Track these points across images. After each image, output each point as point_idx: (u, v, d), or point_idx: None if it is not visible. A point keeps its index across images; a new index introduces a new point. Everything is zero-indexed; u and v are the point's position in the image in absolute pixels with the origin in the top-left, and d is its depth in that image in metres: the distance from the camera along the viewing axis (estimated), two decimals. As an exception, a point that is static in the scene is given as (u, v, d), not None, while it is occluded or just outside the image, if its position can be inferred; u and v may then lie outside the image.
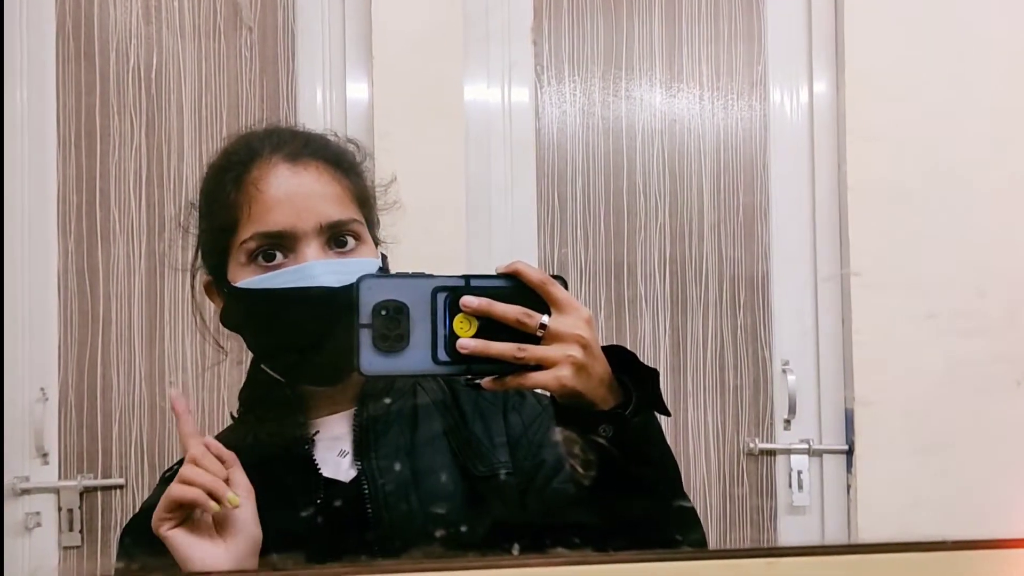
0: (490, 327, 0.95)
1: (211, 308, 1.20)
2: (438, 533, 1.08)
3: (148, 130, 2.21)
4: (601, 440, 0.95)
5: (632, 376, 0.99)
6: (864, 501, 2.26)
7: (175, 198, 2.18)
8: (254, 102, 2.24)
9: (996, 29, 2.29)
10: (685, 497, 1.04)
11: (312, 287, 1.07)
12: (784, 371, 2.34)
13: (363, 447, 1.13)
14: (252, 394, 1.19)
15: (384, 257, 1.17)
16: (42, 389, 2.14)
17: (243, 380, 1.20)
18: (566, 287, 0.97)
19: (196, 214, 1.20)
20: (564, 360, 0.94)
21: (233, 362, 1.27)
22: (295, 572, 0.84)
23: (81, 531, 2.14)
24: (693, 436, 2.32)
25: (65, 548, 2.15)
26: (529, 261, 1.00)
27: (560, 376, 0.94)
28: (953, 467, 2.20)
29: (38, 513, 2.14)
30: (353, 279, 0.95)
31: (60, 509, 2.14)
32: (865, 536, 2.30)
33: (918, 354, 2.23)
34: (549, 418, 1.10)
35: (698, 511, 1.09)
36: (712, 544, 2.02)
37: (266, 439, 1.14)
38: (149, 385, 2.17)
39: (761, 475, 2.34)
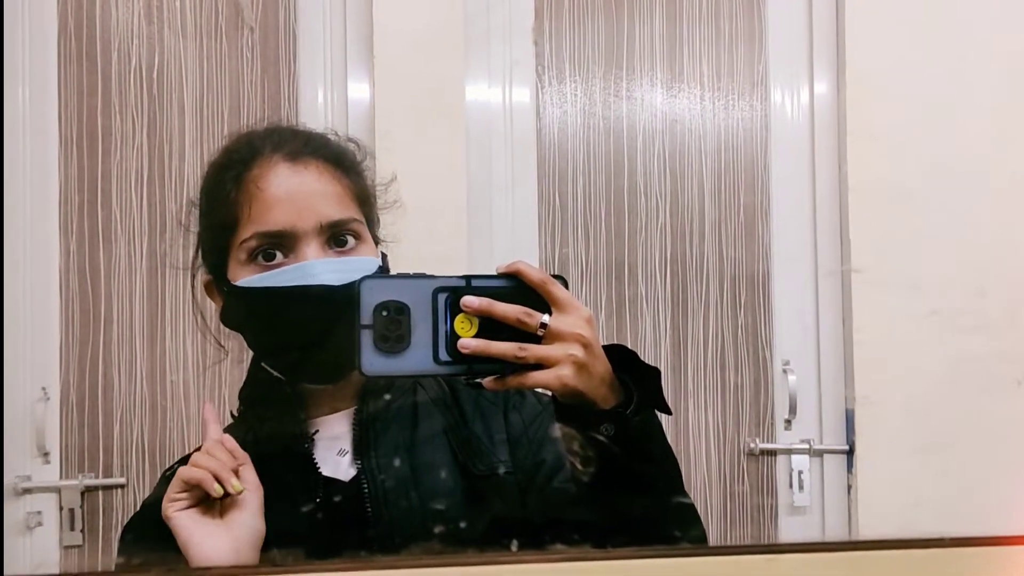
0: (491, 327, 0.95)
1: (212, 307, 1.20)
2: (437, 529, 1.08)
3: (150, 130, 2.21)
4: (602, 438, 0.95)
5: (633, 375, 1.00)
6: (865, 501, 2.26)
7: (176, 198, 2.18)
8: (255, 102, 2.24)
9: (996, 29, 2.29)
10: (685, 494, 1.05)
11: (312, 286, 1.07)
12: (785, 371, 2.34)
13: (363, 446, 1.13)
14: (252, 393, 1.19)
15: (384, 256, 1.17)
16: (43, 388, 2.15)
17: (243, 379, 1.20)
18: (567, 287, 0.98)
19: (197, 212, 1.21)
20: (565, 359, 0.94)
21: (234, 361, 1.27)
22: (295, 568, 0.84)
23: (82, 530, 2.15)
24: (694, 436, 2.32)
25: (66, 547, 2.15)
26: (530, 261, 1.00)
27: (561, 375, 0.94)
28: (954, 467, 2.20)
29: (39, 512, 2.14)
30: (353, 278, 0.96)
31: (61, 508, 2.14)
32: (866, 536, 2.30)
33: (919, 353, 2.23)
34: (550, 417, 1.10)
35: (699, 511, 1.09)
36: (712, 544, 2.02)
37: (266, 438, 1.14)
38: (150, 384, 2.17)
39: (762, 475, 2.34)
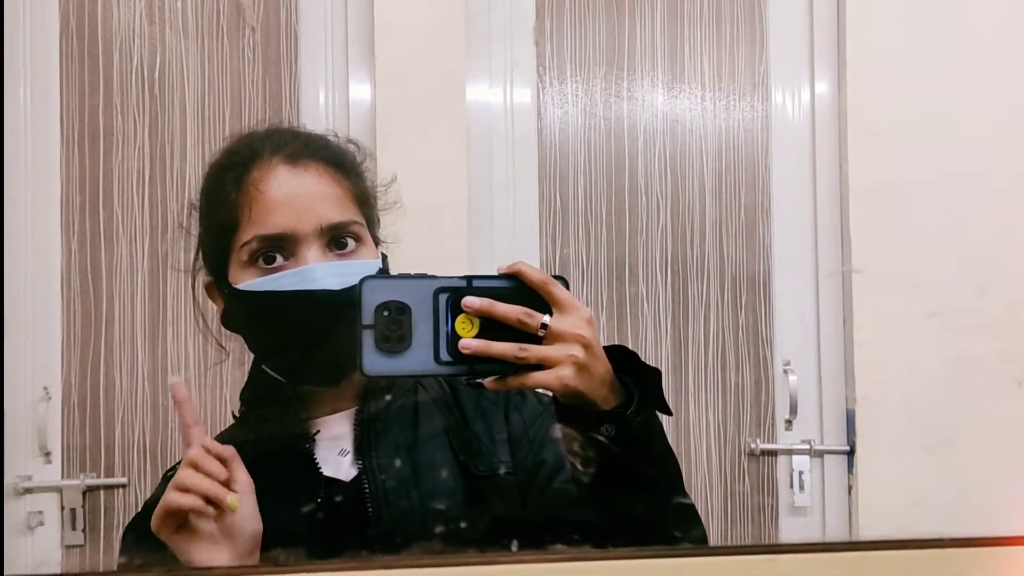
0: (492, 327, 0.95)
1: (213, 309, 1.21)
2: (438, 529, 1.08)
3: (151, 130, 2.21)
4: (602, 439, 0.95)
5: (634, 376, 1.00)
6: (865, 501, 2.26)
7: (178, 198, 2.18)
8: (257, 102, 2.24)
9: (997, 30, 2.29)
10: (685, 494, 1.05)
11: (314, 290, 1.07)
12: (785, 371, 2.34)
13: (364, 446, 1.13)
14: (254, 393, 1.19)
15: (384, 257, 1.17)
16: (45, 388, 2.15)
17: (245, 379, 1.20)
18: (567, 287, 0.98)
19: (197, 214, 1.21)
20: (566, 360, 0.94)
21: (235, 361, 1.27)
22: (296, 568, 0.84)
23: (84, 530, 2.15)
24: (694, 436, 2.33)
25: (68, 547, 2.15)
26: (530, 261, 1.01)
27: (562, 376, 0.94)
28: (954, 467, 2.20)
29: (41, 512, 2.14)
30: (354, 281, 0.96)
31: (63, 508, 2.14)
32: (866, 536, 2.30)
33: (919, 354, 2.23)
34: (550, 417, 1.10)
35: (699, 512, 1.09)
36: (713, 544, 2.02)
37: (267, 438, 1.14)
38: (152, 384, 2.17)
39: (762, 475, 2.35)
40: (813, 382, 2.35)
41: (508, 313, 0.95)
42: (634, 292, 2.32)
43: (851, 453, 2.29)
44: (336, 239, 1.11)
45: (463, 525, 1.09)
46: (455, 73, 2.22)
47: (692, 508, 1.06)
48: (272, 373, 1.15)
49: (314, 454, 1.13)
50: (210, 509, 0.99)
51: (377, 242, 1.18)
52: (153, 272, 2.18)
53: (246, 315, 1.12)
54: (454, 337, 0.95)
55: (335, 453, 1.14)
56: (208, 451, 1.01)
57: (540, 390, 1.09)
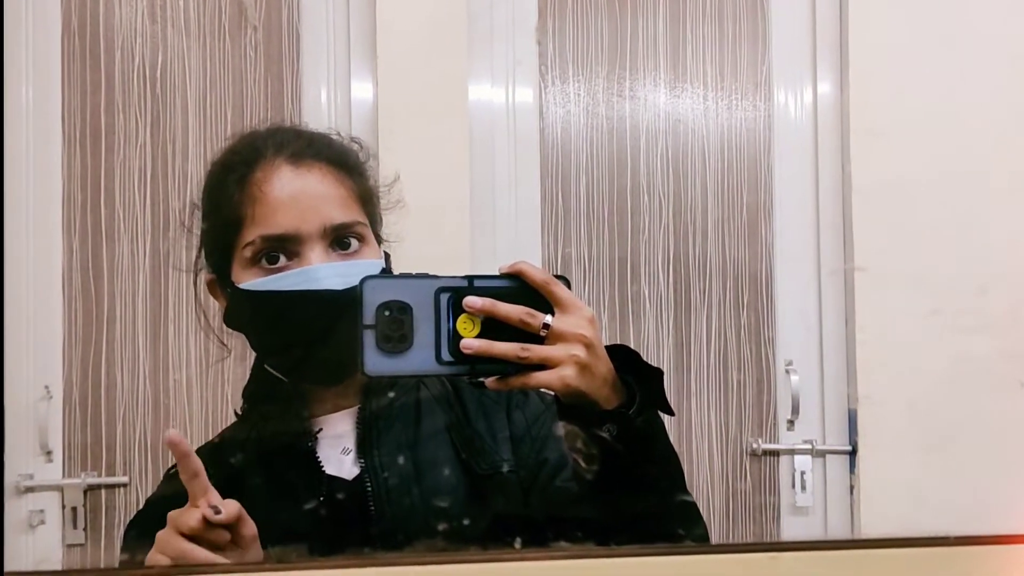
0: (493, 327, 0.95)
1: (215, 306, 1.21)
2: (440, 527, 1.08)
3: (153, 129, 2.21)
4: (604, 437, 0.95)
5: (636, 375, 1.00)
6: (867, 501, 2.26)
7: (180, 197, 2.18)
8: (259, 101, 2.24)
9: (1000, 29, 2.29)
10: (687, 493, 1.05)
11: (317, 290, 1.07)
12: (788, 371, 2.33)
13: (366, 444, 1.13)
14: (256, 391, 1.19)
15: (387, 256, 1.17)
16: (46, 387, 2.15)
17: (247, 377, 1.20)
18: (569, 287, 0.98)
19: (199, 213, 1.21)
20: (568, 360, 0.94)
21: (237, 359, 1.27)
22: (298, 565, 0.84)
23: (85, 529, 2.15)
24: (696, 436, 2.32)
25: (69, 546, 2.15)
26: (532, 260, 1.01)
27: (564, 376, 0.94)
28: (957, 466, 2.19)
29: (42, 511, 2.14)
30: (357, 281, 0.95)
31: (64, 507, 2.14)
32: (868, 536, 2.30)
33: (921, 353, 2.23)
34: (552, 415, 1.10)
35: (701, 511, 1.09)
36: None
37: (269, 436, 1.14)
38: (153, 383, 2.17)
39: (764, 475, 2.34)
40: (815, 382, 2.35)
41: (510, 313, 0.95)
42: (636, 291, 2.32)
43: (853, 453, 2.29)
44: (340, 239, 1.11)
45: (465, 523, 1.09)
46: (457, 72, 2.22)
47: (694, 506, 1.06)
48: (274, 372, 1.15)
49: (316, 452, 1.13)
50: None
51: (380, 241, 1.18)
52: (154, 271, 2.18)
53: (249, 314, 1.12)
54: (456, 337, 0.95)
55: (337, 451, 1.14)
56: (211, 520, 0.96)
57: (542, 389, 1.09)
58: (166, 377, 2.17)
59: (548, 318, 0.95)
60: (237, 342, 1.22)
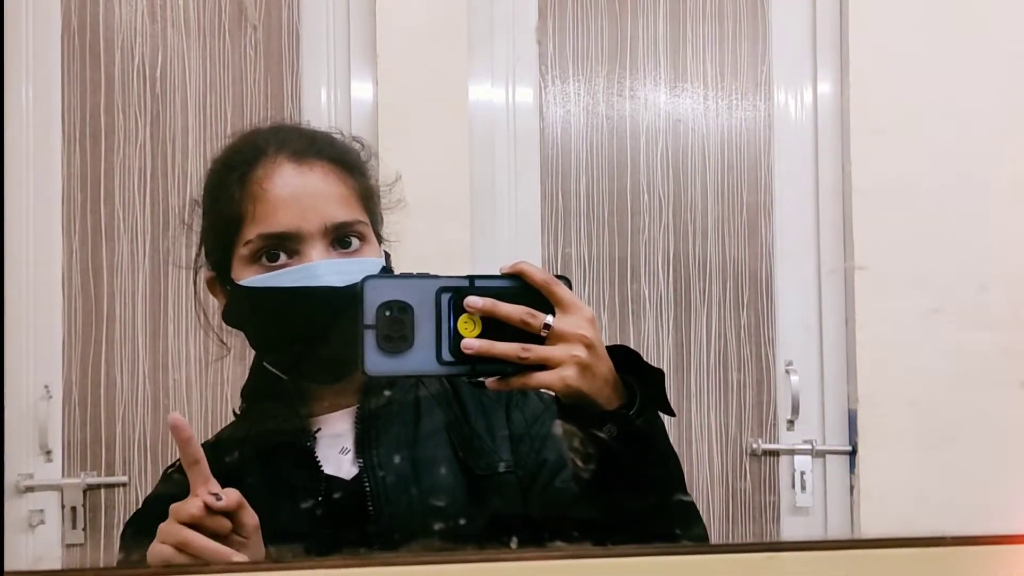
0: (494, 327, 0.95)
1: (214, 305, 1.20)
2: (437, 526, 1.08)
3: (153, 128, 2.21)
4: (604, 437, 0.95)
5: (636, 376, 1.00)
6: (867, 501, 2.25)
7: (179, 196, 2.19)
8: (258, 101, 2.24)
9: (1000, 28, 2.29)
10: (686, 492, 1.05)
11: (316, 287, 1.07)
12: (788, 371, 2.33)
13: (364, 443, 1.13)
14: (254, 390, 1.19)
15: (387, 255, 1.17)
16: (46, 387, 2.15)
17: (246, 376, 1.20)
18: (570, 287, 0.97)
19: (200, 211, 1.21)
20: (568, 360, 0.94)
21: (236, 358, 1.27)
22: (295, 564, 0.84)
23: (84, 529, 2.15)
24: (696, 436, 2.32)
25: (68, 546, 2.15)
26: (532, 260, 1.01)
27: (564, 376, 0.94)
28: (957, 466, 2.19)
29: (42, 511, 2.14)
30: (357, 279, 0.95)
31: (63, 507, 2.14)
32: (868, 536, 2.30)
33: (921, 352, 2.23)
34: (552, 415, 1.10)
35: (701, 511, 1.09)
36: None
37: (268, 435, 1.14)
38: (153, 382, 2.17)
39: (764, 475, 2.34)
40: (815, 382, 2.35)
41: (511, 313, 0.94)
42: (636, 291, 2.32)
43: (853, 453, 2.29)
44: (340, 238, 1.11)
45: (462, 522, 1.09)
46: (457, 72, 2.22)
47: (693, 506, 1.06)
48: (273, 369, 1.15)
49: (315, 451, 1.13)
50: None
51: (380, 241, 1.18)
52: (154, 270, 2.18)
53: (248, 310, 1.12)
54: (456, 337, 0.94)
55: (336, 451, 1.13)
56: (212, 507, 0.96)
57: (542, 389, 1.09)
58: (166, 376, 2.17)
59: (549, 318, 0.95)
60: (237, 341, 1.22)
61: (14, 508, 2.12)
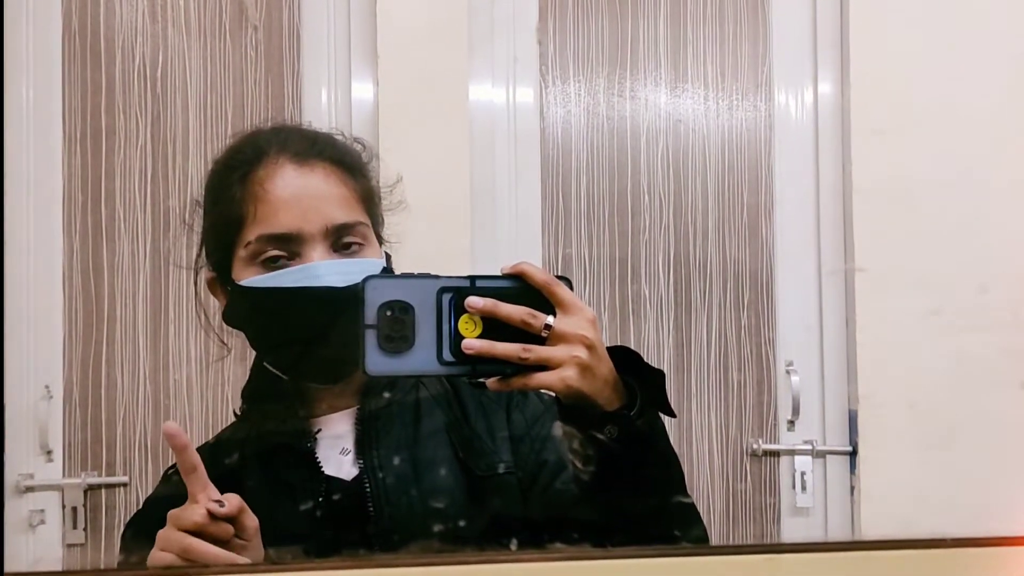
0: (495, 328, 0.95)
1: (215, 305, 1.20)
2: (437, 528, 1.08)
3: (153, 129, 2.21)
4: (604, 438, 0.95)
5: (637, 377, 1.00)
6: (868, 502, 2.25)
7: (180, 196, 2.18)
8: (259, 101, 2.24)
9: (1001, 29, 2.29)
10: (686, 494, 1.05)
11: (317, 287, 1.07)
12: (788, 371, 2.33)
13: (365, 444, 1.13)
14: (255, 391, 1.19)
15: (388, 256, 1.17)
16: (46, 387, 2.15)
17: (246, 377, 1.20)
18: (571, 288, 0.97)
19: (201, 211, 1.21)
20: (569, 361, 0.94)
21: (237, 358, 1.27)
22: (295, 566, 0.84)
23: (85, 529, 2.15)
24: (696, 437, 2.32)
25: (69, 546, 2.15)
26: (533, 261, 1.01)
27: (565, 377, 0.94)
28: (957, 466, 2.19)
29: (42, 511, 2.14)
30: (358, 279, 0.95)
31: (64, 507, 2.14)
32: (868, 537, 2.30)
33: (922, 353, 2.23)
34: (552, 416, 1.10)
35: (701, 512, 1.09)
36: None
37: (269, 436, 1.14)
38: (153, 383, 2.17)
39: (764, 476, 2.34)
40: (815, 382, 2.35)
41: (512, 313, 0.94)
42: (636, 292, 2.32)
43: (853, 453, 2.29)
44: (341, 239, 1.11)
45: (462, 523, 1.09)
46: (458, 72, 2.22)
47: (693, 507, 1.06)
48: (273, 370, 1.15)
49: (315, 452, 1.13)
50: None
51: (381, 241, 1.18)
52: (155, 271, 2.18)
53: (249, 311, 1.12)
54: (457, 337, 0.94)
55: (336, 452, 1.13)
56: (214, 513, 0.96)
57: (542, 390, 1.09)
58: (166, 377, 2.17)
59: (550, 319, 0.95)
60: (237, 342, 1.22)
61: (14, 508, 2.12)
